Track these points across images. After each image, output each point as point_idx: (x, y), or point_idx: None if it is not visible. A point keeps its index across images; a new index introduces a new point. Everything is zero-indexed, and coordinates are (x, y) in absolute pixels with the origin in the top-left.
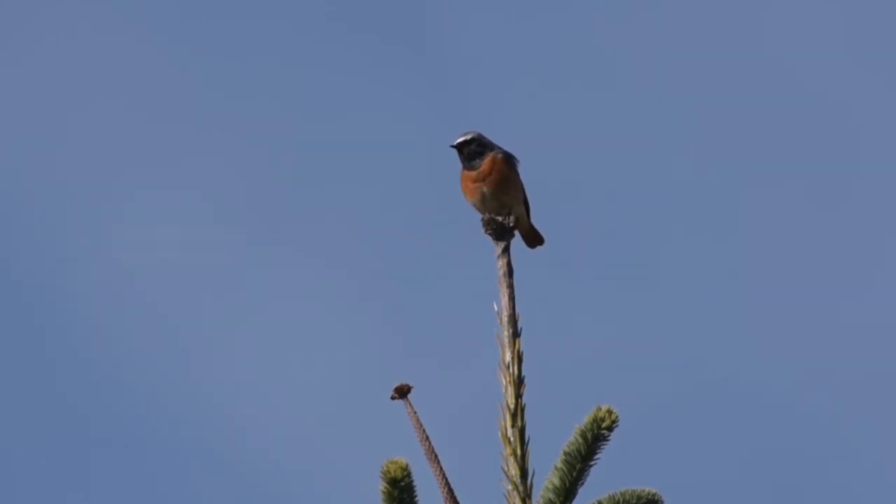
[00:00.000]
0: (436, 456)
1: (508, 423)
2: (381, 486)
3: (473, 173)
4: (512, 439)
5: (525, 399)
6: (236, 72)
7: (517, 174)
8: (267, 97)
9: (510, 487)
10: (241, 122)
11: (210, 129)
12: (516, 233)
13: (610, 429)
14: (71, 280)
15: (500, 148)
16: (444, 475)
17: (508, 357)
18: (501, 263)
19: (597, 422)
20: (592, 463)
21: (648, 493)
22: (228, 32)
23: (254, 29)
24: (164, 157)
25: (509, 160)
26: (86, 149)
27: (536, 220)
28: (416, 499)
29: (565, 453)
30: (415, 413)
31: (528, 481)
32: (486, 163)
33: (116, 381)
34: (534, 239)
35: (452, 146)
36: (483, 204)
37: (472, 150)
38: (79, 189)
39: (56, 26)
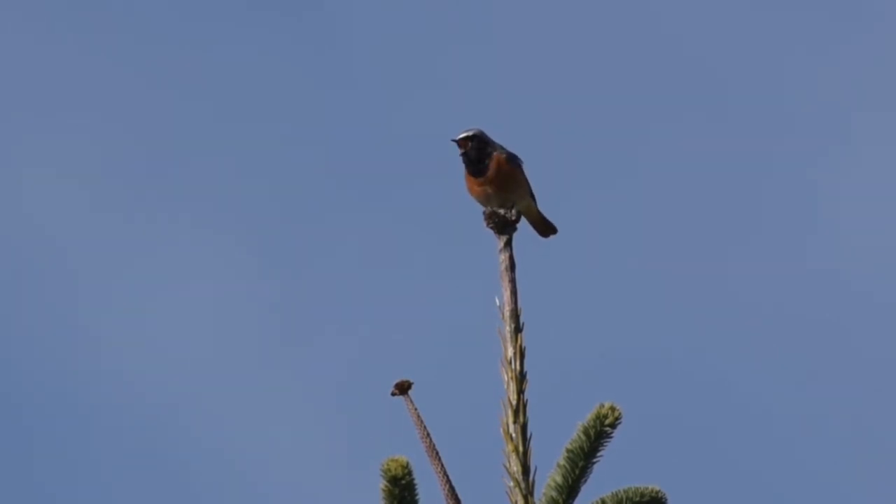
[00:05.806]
0: (437, 453)
1: (510, 420)
2: (382, 484)
3: (480, 179)
4: (514, 436)
5: (527, 395)
6: (115, 44)
7: (522, 172)
8: (148, 70)
9: (512, 484)
10: (128, 95)
11: (100, 101)
12: (526, 223)
13: (613, 425)
14: None
15: (502, 147)
16: (445, 472)
17: (510, 353)
18: (503, 258)
19: (599, 418)
20: (595, 460)
21: (652, 491)
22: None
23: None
24: (42, 131)
25: (512, 160)
26: None
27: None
28: (417, 497)
29: (568, 450)
30: (415, 409)
31: (530, 478)
32: (491, 167)
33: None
34: (546, 228)
35: (454, 140)
36: (488, 201)
37: (475, 147)
38: None
39: None
